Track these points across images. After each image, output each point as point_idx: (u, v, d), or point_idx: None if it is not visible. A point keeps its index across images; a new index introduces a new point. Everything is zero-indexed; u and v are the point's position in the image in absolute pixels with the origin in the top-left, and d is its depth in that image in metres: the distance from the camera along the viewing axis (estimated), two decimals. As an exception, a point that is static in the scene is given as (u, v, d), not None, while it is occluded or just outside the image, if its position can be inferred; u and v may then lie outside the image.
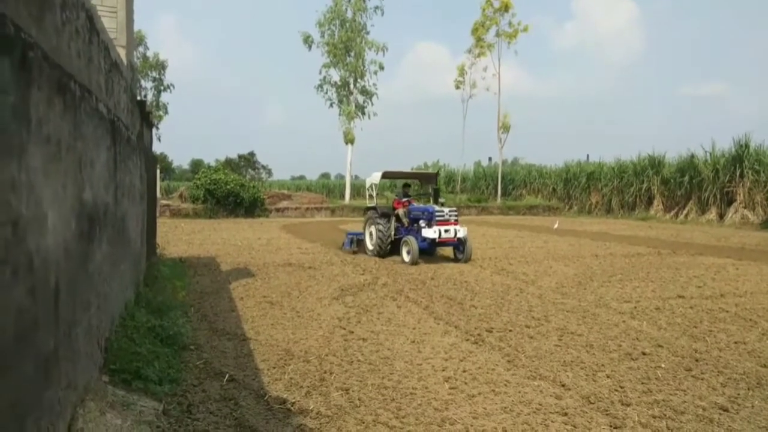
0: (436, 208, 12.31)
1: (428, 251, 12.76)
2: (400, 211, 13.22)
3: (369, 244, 13.47)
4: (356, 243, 14.18)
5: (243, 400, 4.19)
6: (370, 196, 14.39)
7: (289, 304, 7.66)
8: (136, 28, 10.47)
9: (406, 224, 12.99)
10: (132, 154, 6.11)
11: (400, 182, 17.24)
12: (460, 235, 12.11)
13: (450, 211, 12.38)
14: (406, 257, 12.02)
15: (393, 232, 12.98)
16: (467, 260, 12.22)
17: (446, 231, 11.97)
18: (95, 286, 3.62)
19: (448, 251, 13.27)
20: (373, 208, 13.54)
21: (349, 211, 33.67)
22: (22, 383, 2.02)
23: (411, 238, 11.96)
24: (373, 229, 13.26)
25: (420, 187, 15.65)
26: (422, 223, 12.29)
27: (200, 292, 8.46)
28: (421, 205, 13.26)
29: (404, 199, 13.54)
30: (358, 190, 47.51)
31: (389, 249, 12.99)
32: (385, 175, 14.17)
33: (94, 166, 3.51)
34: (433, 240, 11.97)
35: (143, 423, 3.39)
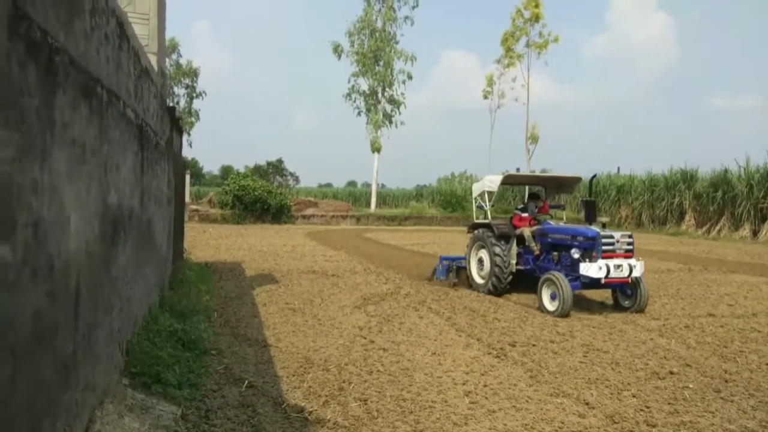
0: (599, 231, 8.15)
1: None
2: (526, 232, 9.33)
3: (477, 276, 9.79)
4: (456, 272, 10.50)
5: (261, 407, 4.18)
6: (480, 207, 10.44)
7: (311, 312, 7.66)
8: (169, 35, 10.66)
9: (536, 251, 9.14)
10: (160, 159, 6.19)
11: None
12: (636, 273, 7.93)
13: (621, 236, 8.22)
14: (549, 305, 7.92)
15: (515, 262, 9.32)
16: (642, 309, 8.09)
17: (617, 267, 7.81)
18: (118, 289, 3.66)
19: (595, 293, 9.11)
20: (487, 225, 9.70)
21: (375, 220, 33.74)
22: (39, 384, 2.03)
23: (560, 276, 7.84)
24: (484, 254, 9.53)
25: (545, 196, 10.75)
26: (575, 252, 8.15)
27: (224, 297, 8.52)
28: (566, 225, 9.63)
29: (537, 215, 9.87)
30: (383, 198, 47.56)
31: (509, 285, 9.32)
32: (507, 180, 10.04)
33: (119, 170, 3.55)
34: (597, 280, 7.83)
35: (161, 427, 3.40)
